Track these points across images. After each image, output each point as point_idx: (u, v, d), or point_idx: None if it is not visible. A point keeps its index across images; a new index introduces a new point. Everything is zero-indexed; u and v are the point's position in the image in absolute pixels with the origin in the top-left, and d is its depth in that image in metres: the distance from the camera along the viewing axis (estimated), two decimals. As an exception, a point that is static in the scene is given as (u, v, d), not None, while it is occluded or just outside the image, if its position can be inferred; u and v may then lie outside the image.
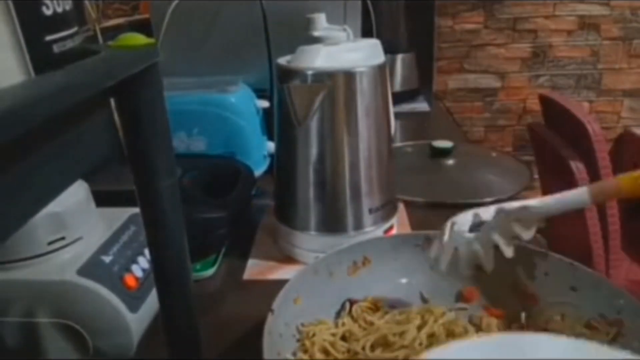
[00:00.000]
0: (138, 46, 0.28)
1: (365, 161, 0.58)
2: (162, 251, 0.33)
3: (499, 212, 0.42)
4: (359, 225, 0.60)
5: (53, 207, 0.42)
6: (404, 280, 0.51)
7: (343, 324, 0.46)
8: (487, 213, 0.43)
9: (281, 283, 0.45)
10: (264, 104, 0.84)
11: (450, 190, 0.82)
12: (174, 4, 0.85)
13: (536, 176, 1.36)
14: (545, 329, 0.44)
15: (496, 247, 0.41)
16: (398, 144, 1.03)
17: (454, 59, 2.13)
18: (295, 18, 0.66)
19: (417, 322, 0.45)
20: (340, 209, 0.59)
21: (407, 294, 0.50)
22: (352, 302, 0.49)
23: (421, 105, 1.36)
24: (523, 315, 0.47)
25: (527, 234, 0.40)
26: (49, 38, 0.21)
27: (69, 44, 0.22)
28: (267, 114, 0.85)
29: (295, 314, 0.45)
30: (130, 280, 0.45)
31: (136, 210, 0.49)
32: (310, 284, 0.47)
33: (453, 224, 0.44)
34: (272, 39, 0.81)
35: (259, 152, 0.84)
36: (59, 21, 0.22)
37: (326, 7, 0.69)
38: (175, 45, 0.88)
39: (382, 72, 0.59)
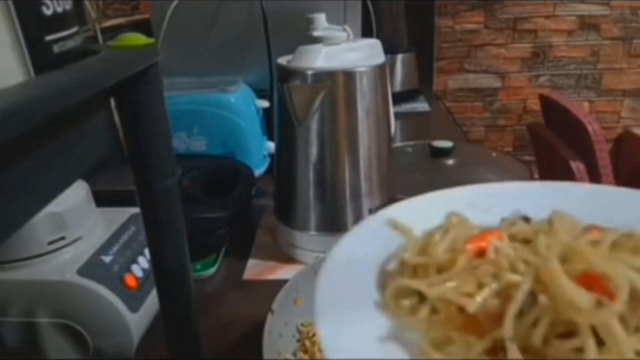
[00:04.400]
0: (138, 46, 0.28)
1: (365, 161, 0.58)
2: (162, 251, 0.33)
3: None
4: (359, 225, 0.60)
5: (53, 207, 0.42)
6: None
7: (343, 324, 0.46)
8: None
9: (281, 283, 0.45)
10: (264, 104, 0.84)
11: (450, 190, 0.82)
12: (174, 4, 0.85)
13: (536, 176, 1.36)
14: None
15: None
16: (398, 144, 1.03)
17: (454, 59, 2.13)
18: (295, 18, 0.66)
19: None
20: (340, 209, 0.59)
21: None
22: (352, 302, 0.49)
23: (421, 105, 1.36)
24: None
25: None
26: (49, 38, 0.21)
27: (69, 44, 0.22)
28: (267, 114, 0.85)
29: (295, 314, 0.45)
30: (130, 280, 0.45)
31: (136, 210, 0.49)
32: (310, 284, 0.47)
33: None
34: (272, 39, 0.81)
35: (259, 152, 0.84)
36: (59, 21, 0.22)
37: (326, 7, 0.69)
38: (175, 45, 0.88)
39: (382, 72, 0.59)
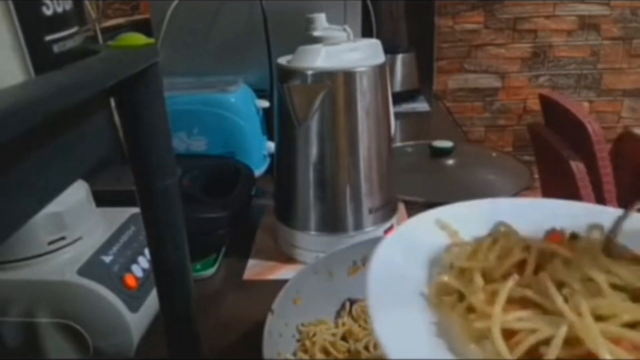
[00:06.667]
0: (138, 46, 0.28)
1: (365, 161, 0.58)
2: (162, 251, 0.33)
3: None
4: (359, 225, 0.60)
5: (53, 207, 0.42)
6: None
7: (343, 324, 0.46)
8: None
9: (281, 283, 0.45)
10: (264, 104, 0.84)
11: (450, 190, 0.82)
12: (174, 4, 0.85)
13: (536, 176, 1.36)
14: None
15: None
16: (398, 144, 1.03)
17: (454, 59, 2.13)
18: (295, 18, 0.66)
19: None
20: (340, 209, 0.59)
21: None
22: (352, 302, 0.49)
23: (421, 105, 1.36)
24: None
25: None
26: (49, 38, 0.21)
27: (69, 44, 0.22)
28: (267, 114, 0.85)
29: (295, 314, 0.45)
30: (130, 280, 0.45)
31: (136, 210, 0.49)
32: (310, 284, 0.47)
33: None
34: (272, 39, 0.81)
35: (259, 152, 0.84)
36: (59, 21, 0.22)
37: (326, 7, 0.69)
38: (175, 45, 0.88)
39: (382, 72, 0.59)
